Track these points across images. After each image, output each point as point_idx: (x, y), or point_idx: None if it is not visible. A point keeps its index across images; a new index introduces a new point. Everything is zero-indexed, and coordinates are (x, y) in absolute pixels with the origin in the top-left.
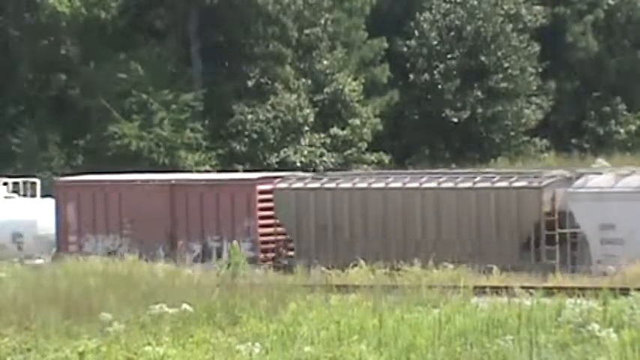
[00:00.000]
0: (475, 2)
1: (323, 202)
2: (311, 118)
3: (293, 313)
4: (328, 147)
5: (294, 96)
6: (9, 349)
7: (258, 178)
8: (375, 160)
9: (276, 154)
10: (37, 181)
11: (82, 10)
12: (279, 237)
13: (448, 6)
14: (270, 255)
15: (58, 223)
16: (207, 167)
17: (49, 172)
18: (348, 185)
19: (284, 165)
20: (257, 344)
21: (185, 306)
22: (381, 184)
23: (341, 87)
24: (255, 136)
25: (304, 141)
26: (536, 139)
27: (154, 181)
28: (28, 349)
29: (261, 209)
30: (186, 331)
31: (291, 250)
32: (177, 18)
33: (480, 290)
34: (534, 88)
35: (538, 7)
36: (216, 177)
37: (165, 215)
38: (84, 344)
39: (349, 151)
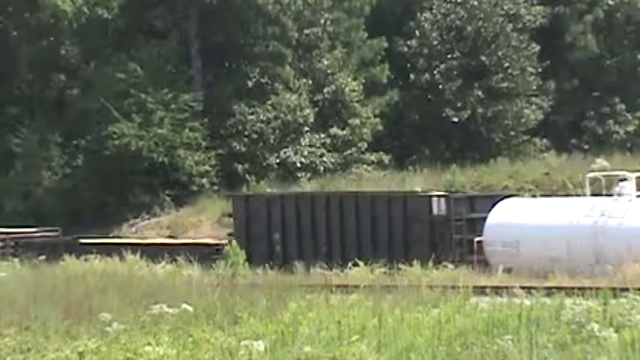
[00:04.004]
0: (475, 2)
1: None
2: (311, 118)
3: (293, 313)
4: (328, 147)
5: (295, 96)
6: (9, 349)
7: None
8: (375, 160)
9: (276, 154)
10: None
11: (84, 9)
12: None
13: (448, 6)
14: None
15: None
16: (207, 167)
17: None
18: None
19: (284, 165)
20: (260, 342)
21: (185, 306)
22: None
23: (341, 87)
24: (255, 136)
25: (304, 141)
26: (536, 139)
27: None
28: (28, 349)
29: None
30: (186, 331)
31: None
32: (178, 18)
33: (480, 290)
34: (534, 88)
35: (538, 7)
36: None
37: None
38: (84, 344)
39: (349, 151)
